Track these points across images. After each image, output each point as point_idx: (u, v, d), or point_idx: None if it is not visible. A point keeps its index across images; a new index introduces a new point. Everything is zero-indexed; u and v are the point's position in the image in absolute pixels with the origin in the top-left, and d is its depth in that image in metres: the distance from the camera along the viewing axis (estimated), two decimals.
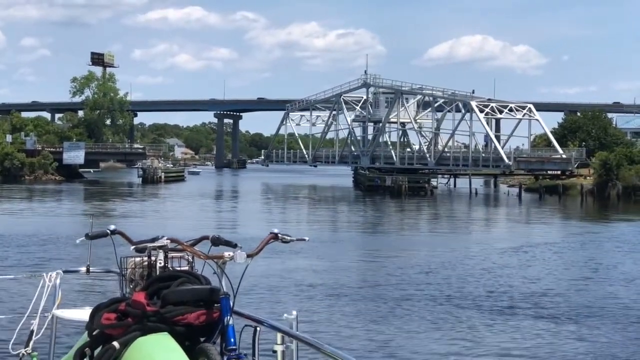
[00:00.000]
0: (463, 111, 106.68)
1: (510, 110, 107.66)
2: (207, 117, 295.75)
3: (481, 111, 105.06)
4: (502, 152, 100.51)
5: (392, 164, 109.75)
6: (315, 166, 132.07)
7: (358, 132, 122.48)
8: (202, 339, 4.46)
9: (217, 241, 4.76)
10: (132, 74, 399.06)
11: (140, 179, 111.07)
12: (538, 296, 25.03)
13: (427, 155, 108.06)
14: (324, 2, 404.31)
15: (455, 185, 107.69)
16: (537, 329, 20.46)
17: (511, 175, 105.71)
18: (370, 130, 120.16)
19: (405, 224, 54.15)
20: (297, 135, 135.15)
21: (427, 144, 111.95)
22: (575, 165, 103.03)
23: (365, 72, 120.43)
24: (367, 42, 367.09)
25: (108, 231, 4.94)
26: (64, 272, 5.68)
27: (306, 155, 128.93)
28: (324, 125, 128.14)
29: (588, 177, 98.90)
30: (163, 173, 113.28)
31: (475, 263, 32.68)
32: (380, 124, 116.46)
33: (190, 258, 4.90)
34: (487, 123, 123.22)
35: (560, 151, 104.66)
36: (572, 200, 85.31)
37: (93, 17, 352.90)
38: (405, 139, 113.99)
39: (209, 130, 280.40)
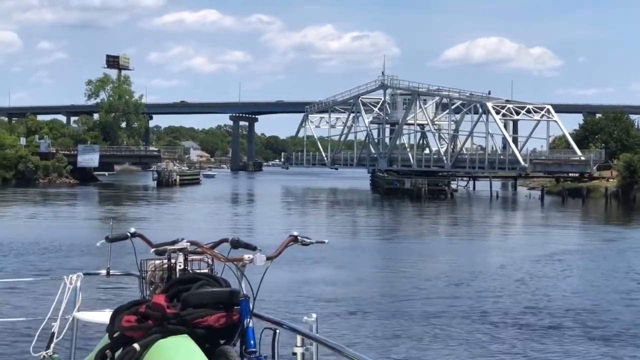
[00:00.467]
0: (480, 111, 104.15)
1: (528, 111, 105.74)
2: (223, 119, 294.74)
3: (497, 112, 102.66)
4: (518, 154, 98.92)
5: (410, 166, 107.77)
6: (336, 169, 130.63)
7: (376, 134, 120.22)
8: (222, 342, 4.42)
9: (236, 244, 4.67)
10: (148, 77, 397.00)
11: (155, 182, 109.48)
12: (584, 313, 22.72)
13: (444, 158, 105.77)
14: (339, 5, 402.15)
15: (474, 188, 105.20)
16: (593, 355, 18.14)
17: (529, 177, 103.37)
18: (388, 132, 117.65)
19: (427, 229, 52.19)
20: (315, 137, 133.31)
21: (444, 146, 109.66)
22: (595, 167, 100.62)
23: (383, 73, 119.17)
24: (382, 44, 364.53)
25: (128, 234, 4.94)
26: (85, 274, 5.69)
27: (325, 158, 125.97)
28: (342, 127, 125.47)
29: (611, 180, 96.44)
30: (178, 176, 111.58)
31: (507, 273, 30.61)
32: (397, 126, 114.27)
33: (210, 261, 4.83)
34: (505, 125, 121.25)
35: (579, 153, 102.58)
36: (596, 203, 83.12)
37: (109, 20, 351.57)
38: (424, 141, 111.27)
39: (224, 133, 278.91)
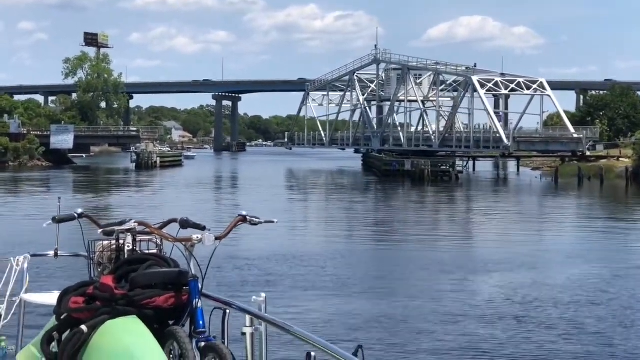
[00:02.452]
0: (466, 87, 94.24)
1: (519, 86, 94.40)
2: (205, 99, 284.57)
3: (482, 86, 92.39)
4: (502, 132, 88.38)
5: (400, 146, 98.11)
6: (343, 149, 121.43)
7: (374, 112, 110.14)
8: (171, 322, 4.27)
9: (185, 224, 4.44)
10: (129, 58, 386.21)
11: (134, 164, 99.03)
12: None
13: (433, 137, 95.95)
14: None
15: (474, 169, 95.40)
16: None
17: (512, 156, 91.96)
18: (386, 110, 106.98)
19: (450, 223, 42.11)
20: (315, 116, 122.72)
21: (435, 123, 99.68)
22: (587, 146, 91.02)
23: (376, 46, 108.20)
24: (365, 24, 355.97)
25: (75, 214, 4.77)
26: (32, 256, 5.37)
27: (324, 138, 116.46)
28: (339, 105, 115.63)
29: (622, 159, 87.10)
30: (159, 158, 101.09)
31: (578, 281, 21.06)
32: (389, 103, 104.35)
33: (158, 241, 4.66)
34: (497, 101, 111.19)
35: (572, 130, 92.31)
36: (614, 184, 73.22)
37: (89, 1, 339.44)
38: (423, 120, 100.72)
39: (207, 113, 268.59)
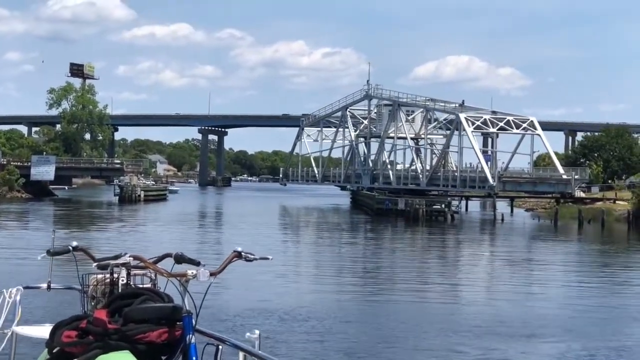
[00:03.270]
0: (454, 124, 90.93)
1: (509, 124, 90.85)
2: (190, 133, 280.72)
3: (471, 124, 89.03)
4: (487, 171, 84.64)
5: (390, 184, 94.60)
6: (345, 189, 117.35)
7: (366, 149, 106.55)
8: (163, 358, 4.17)
9: (180, 259, 4.31)
10: (116, 91, 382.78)
11: (117, 197, 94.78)
12: None
13: (420, 176, 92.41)
14: (312, 21, 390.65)
15: (467, 209, 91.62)
16: None
17: (499, 197, 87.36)
18: (375, 147, 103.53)
19: (454, 271, 37.84)
20: (309, 152, 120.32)
21: (423, 162, 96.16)
22: (576, 188, 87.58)
23: (368, 82, 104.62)
24: (353, 61, 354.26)
25: (70, 247, 4.71)
26: (25, 288, 5.16)
27: (316, 175, 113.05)
28: (331, 141, 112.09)
29: (619, 202, 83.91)
30: (143, 191, 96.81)
31: None
32: (379, 140, 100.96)
33: (152, 276, 4.55)
34: (486, 140, 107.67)
35: (561, 170, 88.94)
36: (615, 228, 69.72)
37: (78, 33, 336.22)
38: (417, 157, 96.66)
39: (192, 147, 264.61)
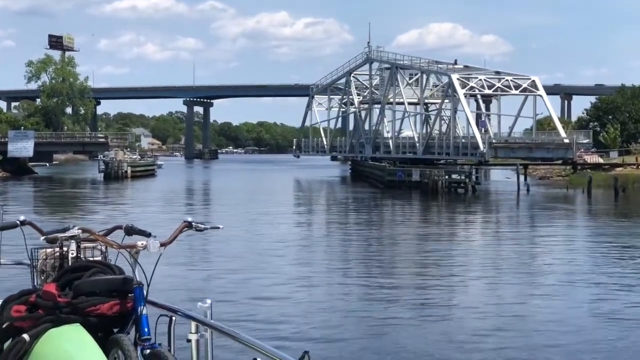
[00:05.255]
0: (446, 85, 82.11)
1: (507, 86, 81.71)
2: (174, 106, 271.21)
3: (463, 86, 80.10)
4: (478, 137, 75.39)
5: (389, 153, 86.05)
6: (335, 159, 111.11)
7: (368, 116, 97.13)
8: (115, 330, 4.07)
9: (130, 230, 4.24)
10: (98, 64, 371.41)
11: (102, 174, 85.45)
12: None
13: (417, 144, 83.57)
14: None
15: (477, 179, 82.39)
16: None
17: (489, 165, 78.01)
18: (389, 115, 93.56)
19: (512, 258, 29.05)
20: (318, 122, 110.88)
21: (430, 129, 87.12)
22: (578, 153, 79.06)
23: (368, 44, 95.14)
24: (335, 31, 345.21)
25: (18, 222, 4.46)
26: None
27: (325, 145, 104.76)
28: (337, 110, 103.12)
29: None
30: (129, 167, 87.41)
31: None
32: (380, 106, 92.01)
33: (103, 248, 4.41)
34: (485, 102, 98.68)
35: (563, 134, 79.73)
36: None
37: (57, 7, 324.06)
38: (427, 125, 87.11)
39: (176, 120, 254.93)
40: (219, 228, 4.56)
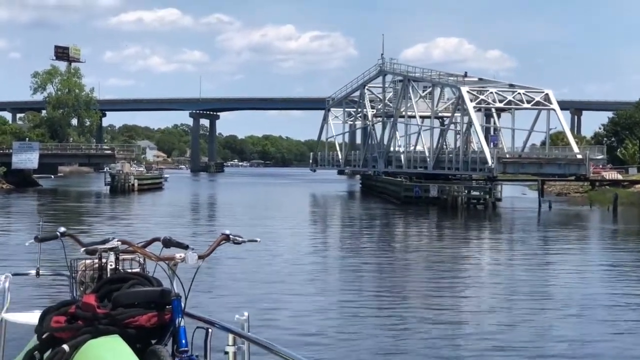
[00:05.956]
0: (456, 97, 79.10)
1: (520, 100, 78.62)
2: (180, 118, 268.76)
3: (474, 100, 77.15)
4: (487, 151, 72.04)
5: (401, 167, 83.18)
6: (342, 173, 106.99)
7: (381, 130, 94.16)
8: (153, 341, 4.03)
9: (168, 243, 4.22)
10: (103, 77, 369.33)
11: (108, 187, 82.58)
12: None
13: (428, 158, 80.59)
14: (300, 5, 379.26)
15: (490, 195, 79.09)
16: None
17: (497, 180, 74.10)
18: (401, 128, 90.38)
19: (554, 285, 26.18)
20: (334, 135, 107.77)
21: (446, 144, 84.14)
22: (595, 169, 75.97)
23: (382, 55, 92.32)
24: (341, 45, 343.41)
25: (58, 233, 4.52)
26: (13, 275, 4.92)
27: (340, 159, 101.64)
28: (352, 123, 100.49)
29: None
30: (136, 180, 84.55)
31: None
32: (393, 119, 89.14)
33: (141, 260, 4.41)
34: (496, 115, 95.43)
35: (576, 149, 76.43)
36: None
37: (64, 19, 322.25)
38: (442, 139, 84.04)
39: (181, 132, 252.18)
40: (256, 241, 4.52)
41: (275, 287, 22.97)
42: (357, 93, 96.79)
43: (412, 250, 35.78)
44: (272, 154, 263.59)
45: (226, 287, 22.28)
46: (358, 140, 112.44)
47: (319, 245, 37.13)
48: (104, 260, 4.35)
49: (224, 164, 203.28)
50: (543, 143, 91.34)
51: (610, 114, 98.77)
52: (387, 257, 32.30)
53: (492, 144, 79.19)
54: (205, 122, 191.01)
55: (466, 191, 63.58)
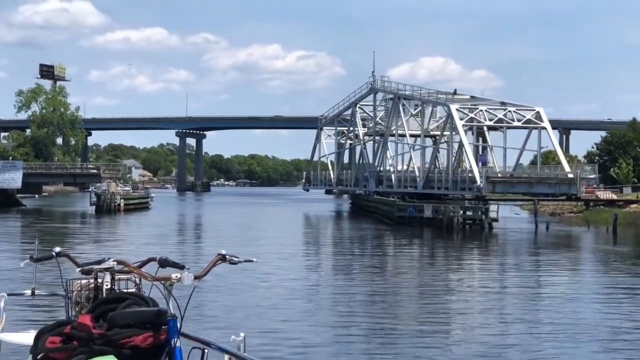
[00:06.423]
0: (445, 115, 77.64)
1: (511, 118, 77.03)
2: (165, 137, 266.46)
3: (464, 118, 75.66)
4: (475, 170, 70.40)
5: (392, 187, 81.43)
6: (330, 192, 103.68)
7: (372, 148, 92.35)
8: None
9: (164, 263, 4.17)
10: (88, 96, 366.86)
11: (94, 207, 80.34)
12: None
13: (418, 178, 78.83)
14: (286, 25, 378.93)
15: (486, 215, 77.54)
16: None
17: (485, 200, 71.90)
18: (392, 147, 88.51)
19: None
20: (326, 154, 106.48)
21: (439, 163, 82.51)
22: (583, 188, 74.25)
23: (373, 73, 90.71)
24: (327, 64, 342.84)
25: (54, 253, 4.48)
26: (8, 294, 4.94)
27: (332, 179, 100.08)
28: (344, 141, 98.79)
29: None
30: (122, 200, 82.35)
31: None
32: (383, 138, 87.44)
33: (137, 280, 4.39)
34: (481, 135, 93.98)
35: (567, 169, 74.76)
36: None
37: (50, 39, 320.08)
38: (435, 156, 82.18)
39: (167, 152, 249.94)
40: (252, 261, 4.48)
41: (269, 309, 22.47)
42: (349, 111, 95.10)
43: (414, 275, 33.85)
44: (258, 174, 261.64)
45: (220, 307, 21.91)
46: (349, 159, 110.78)
47: (313, 268, 35.31)
48: (99, 280, 4.34)
49: (210, 183, 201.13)
50: (532, 162, 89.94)
51: (603, 133, 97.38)
52: (390, 283, 30.36)
53: (480, 163, 77.62)
54: (191, 141, 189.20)
55: (462, 211, 61.51)
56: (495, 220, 62.71)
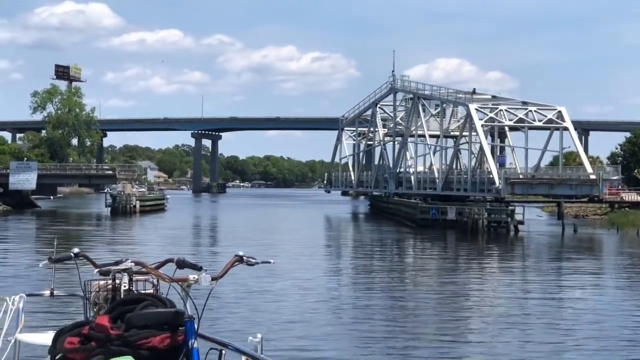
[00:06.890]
0: (465, 115, 75.35)
1: (532, 118, 74.60)
2: (181, 139, 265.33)
3: (480, 118, 73.45)
4: (494, 171, 68.15)
5: (411, 188, 79.52)
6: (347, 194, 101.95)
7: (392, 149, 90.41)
8: None
9: (182, 264, 4.18)
10: (104, 97, 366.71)
11: (109, 209, 78.77)
12: None
13: (437, 179, 76.75)
14: (301, 26, 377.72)
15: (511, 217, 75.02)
16: None
17: (504, 202, 69.42)
18: (412, 148, 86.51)
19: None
20: (347, 155, 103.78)
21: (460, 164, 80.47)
22: (606, 189, 71.62)
23: (393, 72, 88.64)
24: (341, 66, 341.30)
25: (72, 254, 4.50)
26: (27, 295, 5.04)
27: (352, 180, 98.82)
28: (364, 142, 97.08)
29: None
30: (138, 201, 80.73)
31: None
32: (402, 139, 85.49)
33: (155, 281, 4.40)
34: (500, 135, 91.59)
35: (589, 169, 72.25)
36: None
37: (65, 41, 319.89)
38: (457, 159, 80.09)
39: (182, 153, 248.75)
40: (270, 263, 4.42)
41: (286, 310, 22.33)
42: (369, 112, 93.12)
43: (448, 282, 31.95)
44: (274, 175, 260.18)
45: (237, 308, 21.77)
46: (369, 160, 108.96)
47: (334, 271, 33.80)
48: (117, 281, 4.32)
49: (226, 184, 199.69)
50: (550, 163, 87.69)
51: (621, 134, 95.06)
52: (421, 286, 28.50)
53: (498, 164, 75.73)
54: (207, 142, 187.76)
55: (486, 214, 59.43)
56: (522, 222, 60.60)
